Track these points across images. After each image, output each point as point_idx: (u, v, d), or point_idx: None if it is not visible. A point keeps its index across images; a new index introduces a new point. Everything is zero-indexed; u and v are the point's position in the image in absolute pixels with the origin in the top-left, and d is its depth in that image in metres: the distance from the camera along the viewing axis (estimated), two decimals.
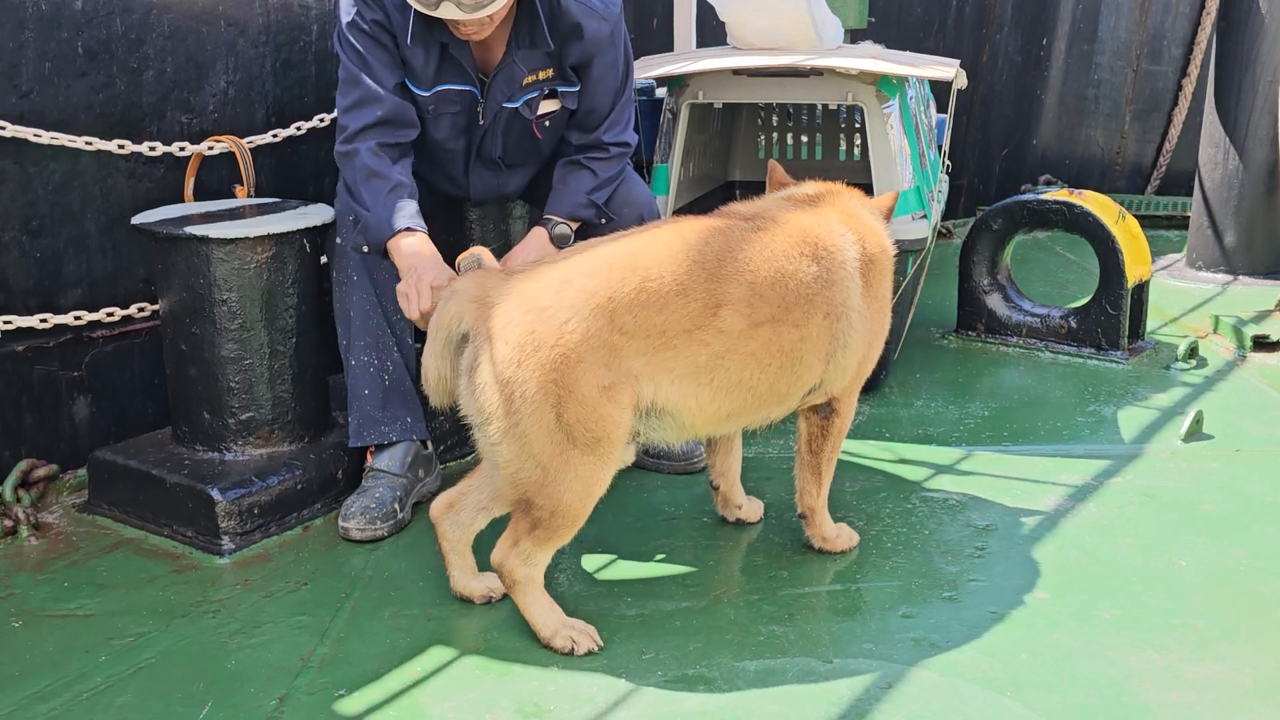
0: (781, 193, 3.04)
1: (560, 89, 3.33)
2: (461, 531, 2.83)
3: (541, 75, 3.28)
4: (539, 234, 3.29)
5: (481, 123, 3.32)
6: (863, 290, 2.85)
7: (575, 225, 3.33)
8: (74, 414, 3.56)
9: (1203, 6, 7.55)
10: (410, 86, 3.24)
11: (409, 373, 3.33)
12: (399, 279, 3.31)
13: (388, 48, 3.18)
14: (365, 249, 3.21)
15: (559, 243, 3.25)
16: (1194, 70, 7.63)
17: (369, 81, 3.16)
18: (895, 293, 3.04)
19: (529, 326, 2.51)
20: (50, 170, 3.41)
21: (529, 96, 3.30)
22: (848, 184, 3.07)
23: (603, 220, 3.36)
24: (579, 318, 2.51)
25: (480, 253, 2.76)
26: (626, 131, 3.43)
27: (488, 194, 3.54)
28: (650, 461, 3.53)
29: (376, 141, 3.15)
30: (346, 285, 3.28)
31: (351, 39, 3.17)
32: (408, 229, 3.05)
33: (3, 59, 3.27)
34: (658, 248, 2.66)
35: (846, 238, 2.84)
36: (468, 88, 3.26)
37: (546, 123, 3.38)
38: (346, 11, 3.17)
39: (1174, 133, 7.78)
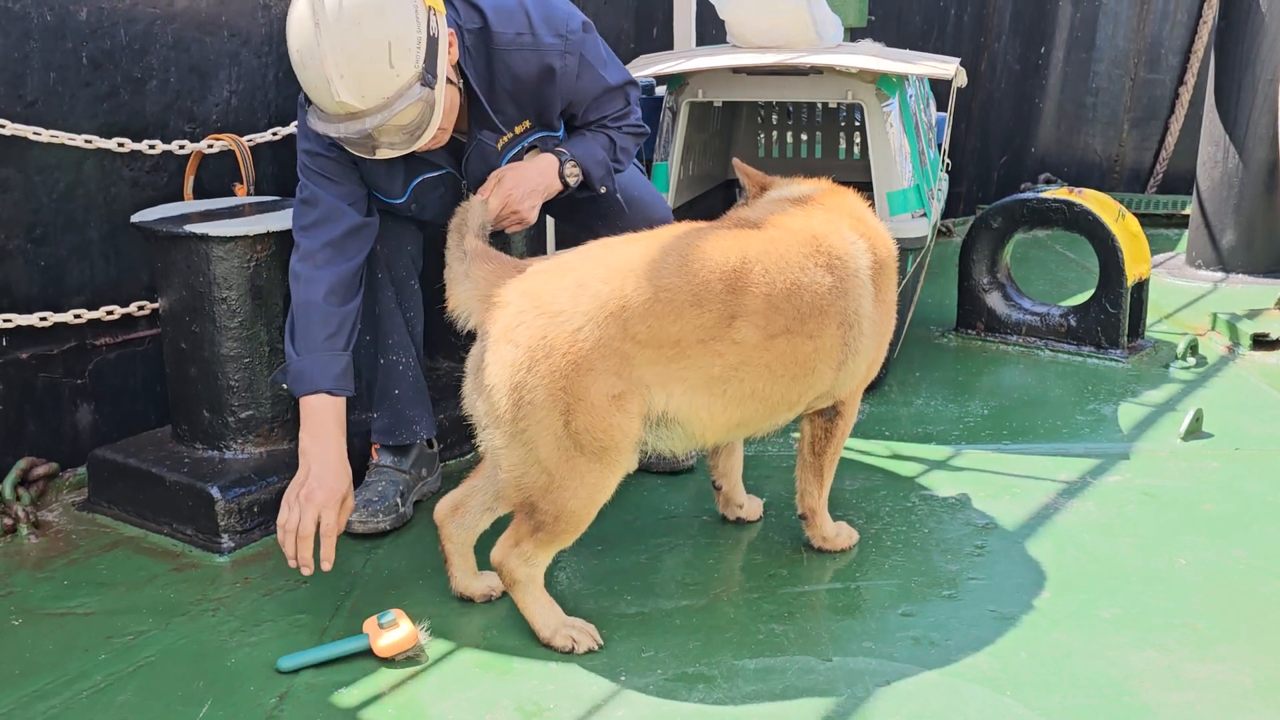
0: (782, 193, 3.00)
1: (541, 135, 3.13)
2: (466, 533, 2.82)
3: (519, 130, 3.09)
4: (550, 160, 3.04)
5: (466, 190, 3.10)
6: (873, 296, 2.84)
7: (579, 177, 3.10)
8: (77, 421, 3.56)
9: (1200, 15, 7.56)
10: (382, 199, 3.08)
11: (423, 370, 3.34)
12: (411, 276, 3.28)
13: (346, 165, 2.99)
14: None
15: (564, 181, 3.06)
16: (1191, 78, 7.65)
17: (329, 200, 3.00)
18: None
19: (541, 331, 2.47)
20: (55, 179, 3.41)
21: (511, 154, 3.10)
22: (839, 182, 3.04)
23: (603, 190, 3.15)
24: (593, 324, 2.47)
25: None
26: (634, 115, 3.21)
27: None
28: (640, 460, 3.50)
29: (327, 252, 2.98)
30: (371, 283, 3.17)
31: (309, 165, 3.00)
32: (327, 390, 2.87)
33: (8, 68, 3.28)
34: (672, 256, 2.60)
35: (858, 245, 2.82)
36: (446, 171, 3.10)
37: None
38: (301, 138, 3.02)
39: (1171, 140, 7.80)
